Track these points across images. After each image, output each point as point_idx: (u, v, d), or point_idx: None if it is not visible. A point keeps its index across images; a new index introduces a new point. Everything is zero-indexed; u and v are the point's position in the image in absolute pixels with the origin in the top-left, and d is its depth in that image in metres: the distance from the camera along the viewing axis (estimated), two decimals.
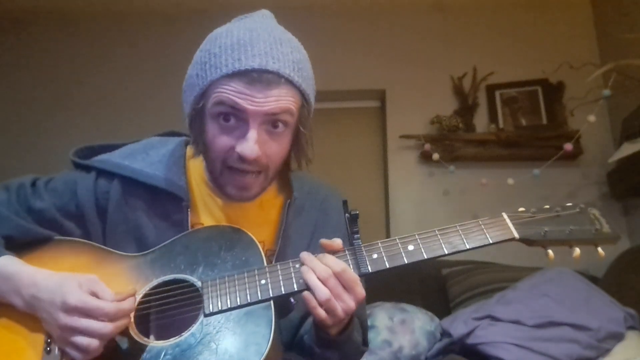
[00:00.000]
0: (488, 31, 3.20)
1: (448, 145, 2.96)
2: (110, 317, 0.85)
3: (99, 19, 3.41)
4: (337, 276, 0.89)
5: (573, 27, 3.16)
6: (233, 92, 0.91)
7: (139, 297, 0.94)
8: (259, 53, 0.92)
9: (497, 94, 3.10)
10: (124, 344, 0.88)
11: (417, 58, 3.21)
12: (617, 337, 1.87)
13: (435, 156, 2.88)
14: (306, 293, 0.89)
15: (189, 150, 1.11)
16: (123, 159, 1.09)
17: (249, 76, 0.91)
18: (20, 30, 3.41)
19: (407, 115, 3.12)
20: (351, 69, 3.22)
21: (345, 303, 0.89)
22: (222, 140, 0.96)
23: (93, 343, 0.83)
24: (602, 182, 2.87)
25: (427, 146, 2.93)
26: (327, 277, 0.89)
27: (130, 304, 0.89)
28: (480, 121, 3.05)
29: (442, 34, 3.24)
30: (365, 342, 1.14)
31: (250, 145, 0.93)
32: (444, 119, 2.96)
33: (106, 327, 0.84)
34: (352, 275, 0.91)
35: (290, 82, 0.94)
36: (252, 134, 0.93)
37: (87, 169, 1.09)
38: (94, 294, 0.87)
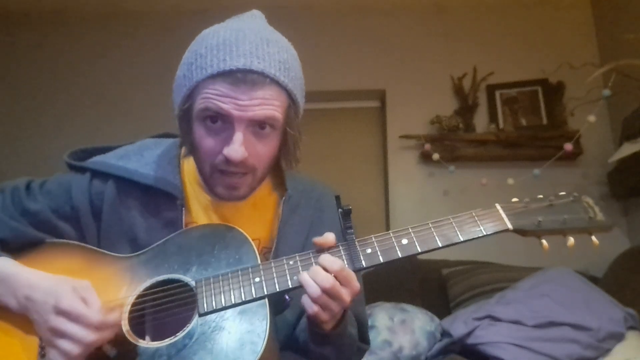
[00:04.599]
0: (488, 31, 3.20)
1: (448, 145, 2.95)
2: (93, 327, 0.84)
3: (98, 19, 3.41)
4: (336, 275, 0.88)
5: (573, 27, 3.16)
6: (217, 96, 0.92)
7: (132, 298, 0.93)
8: (243, 53, 0.92)
9: (497, 94, 3.09)
10: (113, 352, 0.87)
11: (417, 58, 3.21)
12: (617, 337, 1.87)
13: (435, 156, 2.88)
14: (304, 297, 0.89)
15: (183, 150, 1.10)
16: (117, 160, 1.09)
17: (233, 76, 0.91)
18: (17, 30, 3.41)
19: (407, 115, 3.12)
20: (351, 69, 3.23)
21: (342, 299, 0.89)
22: (209, 143, 0.96)
23: (75, 349, 0.82)
24: (602, 182, 2.86)
25: (427, 146, 2.92)
26: (328, 287, 0.87)
27: (116, 317, 0.88)
28: (480, 121, 3.05)
29: (442, 34, 3.24)
30: (366, 340, 1.14)
31: (236, 147, 0.93)
32: (444, 119, 2.95)
33: (89, 336, 0.83)
34: (349, 272, 0.90)
35: (276, 83, 0.94)
36: (238, 137, 0.93)
37: (82, 170, 1.09)
38: (84, 301, 0.86)
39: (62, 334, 0.83)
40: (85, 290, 0.87)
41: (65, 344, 0.83)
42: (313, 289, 0.87)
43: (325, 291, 0.87)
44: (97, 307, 0.86)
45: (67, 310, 0.84)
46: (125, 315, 0.91)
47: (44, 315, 0.86)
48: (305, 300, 0.88)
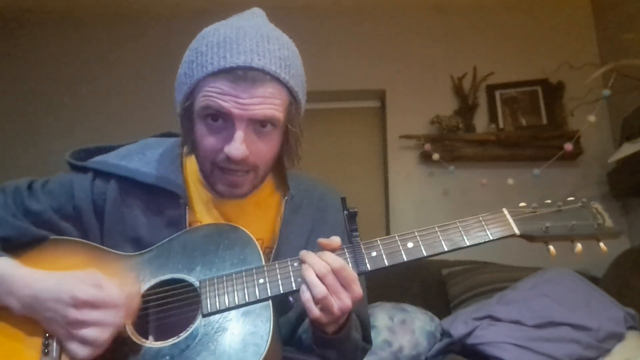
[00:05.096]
0: (488, 31, 3.20)
1: (448, 145, 2.96)
2: (121, 305, 0.86)
3: (99, 19, 3.41)
4: (336, 273, 0.88)
5: (573, 27, 3.16)
6: (218, 94, 0.92)
7: (146, 287, 0.94)
8: (244, 50, 0.92)
9: (497, 94, 3.10)
10: (122, 345, 0.87)
11: (417, 58, 3.21)
12: (617, 337, 1.87)
13: (435, 156, 2.88)
14: (304, 295, 0.89)
15: (185, 149, 1.10)
16: (120, 159, 1.09)
17: (234, 74, 0.91)
18: (19, 31, 3.41)
19: (407, 115, 3.12)
20: (351, 69, 3.23)
21: (342, 301, 0.88)
22: (210, 141, 0.97)
23: (104, 333, 0.84)
24: (602, 182, 2.87)
25: (427, 146, 2.92)
26: (325, 273, 0.88)
27: (137, 288, 0.91)
28: (480, 121, 3.05)
29: (442, 34, 3.24)
30: (368, 340, 1.14)
31: (237, 145, 0.93)
32: (444, 119, 2.96)
33: (118, 314, 0.85)
34: (351, 272, 0.90)
35: (276, 79, 0.94)
36: (239, 135, 0.93)
37: (84, 170, 1.09)
38: (98, 287, 0.87)
39: (85, 324, 0.84)
40: (96, 277, 0.89)
41: (90, 332, 0.84)
42: (319, 289, 0.87)
43: (322, 278, 0.87)
44: (114, 287, 0.88)
45: (87, 300, 0.84)
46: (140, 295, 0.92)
47: (61, 311, 0.85)
48: (308, 302, 0.88)
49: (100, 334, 0.84)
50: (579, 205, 1.00)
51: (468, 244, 0.94)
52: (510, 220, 0.96)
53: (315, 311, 0.88)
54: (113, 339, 0.86)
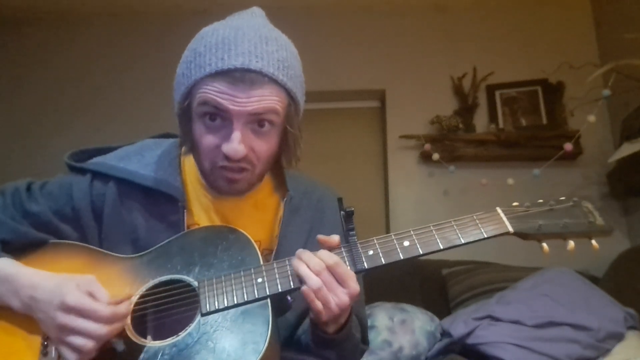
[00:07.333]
0: (488, 31, 3.20)
1: (448, 145, 2.96)
2: (105, 320, 0.85)
3: (98, 19, 3.42)
4: (330, 269, 0.89)
5: (573, 27, 3.17)
6: (216, 93, 0.92)
7: (135, 298, 0.94)
8: (242, 52, 0.92)
9: (497, 94, 3.09)
10: (121, 345, 0.88)
11: (417, 58, 3.22)
12: (617, 337, 1.87)
13: (435, 156, 2.88)
14: (305, 287, 0.89)
15: (184, 150, 1.11)
16: (118, 161, 1.09)
17: (232, 76, 0.91)
18: (17, 31, 3.42)
19: (407, 115, 3.12)
20: (351, 69, 3.23)
21: (339, 297, 0.89)
22: (208, 140, 0.97)
23: (88, 344, 0.83)
24: (602, 182, 2.87)
25: (427, 146, 2.93)
26: (320, 270, 0.89)
27: (125, 308, 0.89)
28: (480, 121, 3.05)
29: (442, 34, 3.24)
30: (365, 341, 1.14)
31: (234, 145, 0.93)
32: (444, 119, 2.95)
33: (101, 329, 0.84)
34: (346, 269, 0.91)
35: (274, 81, 0.94)
36: (237, 135, 0.93)
37: (83, 171, 1.09)
38: (91, 295, 0.87)
39: (72, 330, 0.84)
40: (91, 285, 0.88)
41: (77, 340, 0.83)
42: (313, 280, 0.88)
43: (317, 275, 0.88)
44: (105, 299, 0.87)
45: (75, 307, 0.84)
46: (129, 314, 0.91)
47: (50, 314, 0.86)
48: (308, 295, 0.88)
49: (85, 343, 0.83)
50: (571, 204, 1.02)
51: (463, 241, 0.96)
52: (504, 219, 0.98)
53: (317, 303, 0.88)
54: (110, 339, 0.86)
